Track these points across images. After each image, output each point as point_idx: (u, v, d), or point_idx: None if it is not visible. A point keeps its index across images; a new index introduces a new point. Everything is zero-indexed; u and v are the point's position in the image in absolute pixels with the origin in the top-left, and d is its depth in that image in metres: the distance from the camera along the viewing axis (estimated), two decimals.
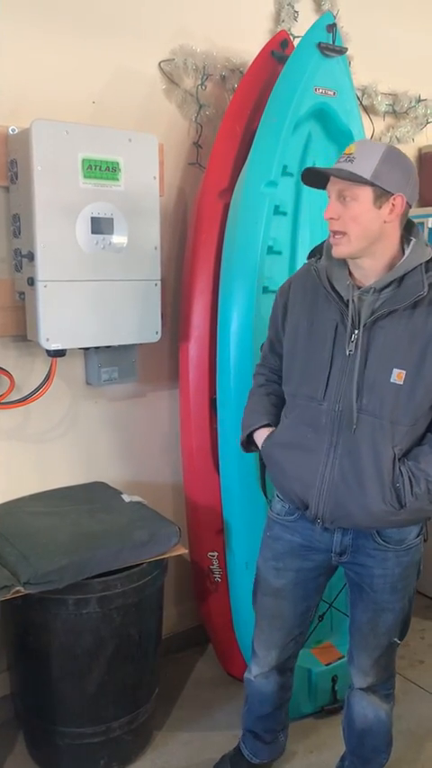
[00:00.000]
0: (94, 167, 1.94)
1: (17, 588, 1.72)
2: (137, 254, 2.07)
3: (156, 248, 2.12)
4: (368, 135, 2.67)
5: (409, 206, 1.52)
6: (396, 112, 2.88)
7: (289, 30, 2.44)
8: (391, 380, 1.50)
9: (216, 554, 2.30)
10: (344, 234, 1.49)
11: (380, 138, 2.86)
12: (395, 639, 1.74)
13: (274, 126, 2.07)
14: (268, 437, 1.70)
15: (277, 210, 2.11)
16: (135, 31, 2.19)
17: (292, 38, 2.34)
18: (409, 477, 1.52)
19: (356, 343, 1.52)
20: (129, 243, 2.04)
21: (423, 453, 1.54)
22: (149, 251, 2.10)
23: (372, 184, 1.46)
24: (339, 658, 2.29)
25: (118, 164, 1.98)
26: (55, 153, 1.87)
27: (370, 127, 2.78)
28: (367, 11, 2.70)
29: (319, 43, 2.07)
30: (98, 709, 1.94)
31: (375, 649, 1.74)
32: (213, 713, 2.29)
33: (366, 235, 1.49)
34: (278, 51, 2.23)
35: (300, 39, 2.16)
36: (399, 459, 1.53)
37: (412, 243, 1.54)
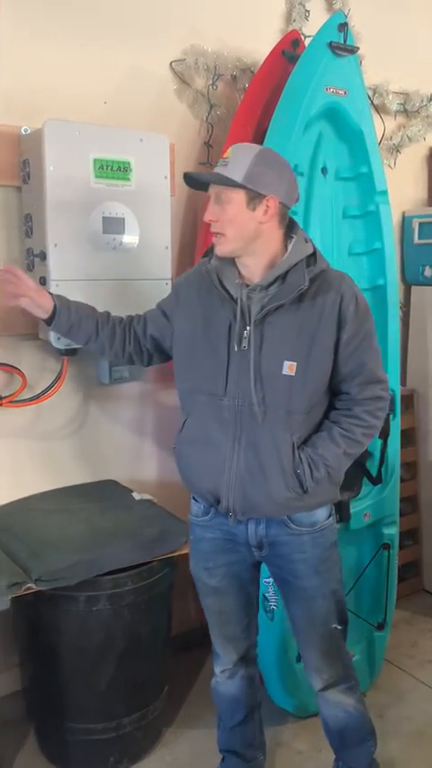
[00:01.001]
0: (105, 167, 1.95)
1: (29, 585, 1.73)
2: (147, 254, 2.08)
3: (166, 248, 2.13)
4: (379, 134, 2.67)
5: (286, 206, 1.58)
6: (407, 111, 2.88)
7: (300, 29, 2.44)
8: (284, 372, 1.57)
9: None
10: (222, 234, 1.55)
11: (390, 138, 2.86)
12: (335, 626, 1.76)
13: (285, 126, 2.07)
14: (177, 436, 1.72)
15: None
16: (147, 31, 2.20)
17: (303, 37, 2.34)
18: (309, 464, 1.58)
19: (249, 339, 1.58)
20: (139, 242, 2.05)
21: (321, 439, 1.61)
22: (160, 250, 2.12)
23: (243, 187, 1.51)
24: (350, 657, 2.29)
25: (129, 164, 2.00)
26: (67, 153, 1.88)
27: (381, 126, 2.77)
28: (378, 10, 2.69)
29: (331, 42, 2.07)
30: (108, 705, 1.96)
31: (320, 641, 1.76)
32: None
33: (242, 235, 1.55)
34: (289, 51, 2.23)
35: (311, 38, 2.16)
36: (298, 447, 1.59)
37: (293, 240, 1.60)
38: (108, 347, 1.80)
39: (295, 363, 1.56)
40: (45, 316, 1.74)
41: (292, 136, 2.05)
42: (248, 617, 1.84)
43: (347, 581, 2.37)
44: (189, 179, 1.60)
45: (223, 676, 1.88)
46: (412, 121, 2.90)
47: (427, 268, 2.92)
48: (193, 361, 1.66)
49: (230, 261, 1.62)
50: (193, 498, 1.77)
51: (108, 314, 1.82)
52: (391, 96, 2.79)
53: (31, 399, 2.07)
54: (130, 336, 1.80)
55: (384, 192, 2.25)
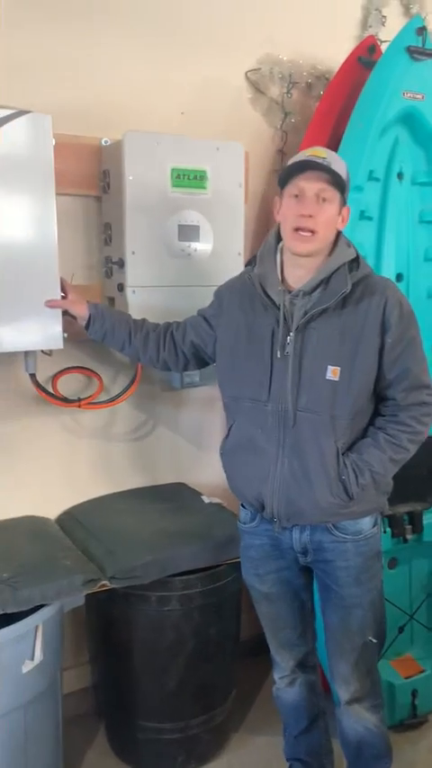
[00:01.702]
0: (182, 176, 2.00)
1: (103, 582, 1.78)
2: (221, 260, 2.11)
3: (239, 254, 2.15)
4: None
5: None
6: None
7: (376, 35, 2.42)
8: (327, 377, 1.57)
9: None
10: (314, 232, 1.54)
11: None
12: (370, 638, 1.72)
13: (361, 131, 2.07)
14: (222, 443, 1.75)
15: (363, 215, 2.10)
16: (223, 42, 2.24)
17: (379, 43, 2.33)
18: (354, 470, 1.58)
19: (292, 345, 1.58)
20: (213, 249, 2.09)
21: (365, 446, 1.60)
22: (233, 257, 2.14)
23: (342, 192, 1.54)
24: (420, 672, 2.24)
25: (205, 172, 2.03)
26: (146, 163, 1.94)
27: None
28: None
29: (409, 47, 2.06)
30: (177, 705, 1.98)
31: (352, 652, 1.72)
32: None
33: (328, 237, 1.57)
34: (365, 57, 2.23)
35: (387, 43, 2.15)
36: (343, 453, 1.59)
37: (337, 245, 1.60)
38: (142, 353, 1.86)
39: (339, 368, 1.56)
40: (82, 323, 1.85)
41: (368, 141, 2.05)
42: (303, 624, 1.83)
43: (419, 594, 2.32)
44: (303, 165, 1.53)
45: (282, 683, 1.88)
46: None
47: None
48: (236, 368, 1.68)
49: (273, 267, 1.63)
50: (242, 505, 1.79)
51: (144, 321, 1.88)
52: None
53: (107, 402, 2.13)
54: (164, 343, 1.84)
55: None
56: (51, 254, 1.80)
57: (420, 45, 2.08)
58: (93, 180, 2.05)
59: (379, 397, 1.64)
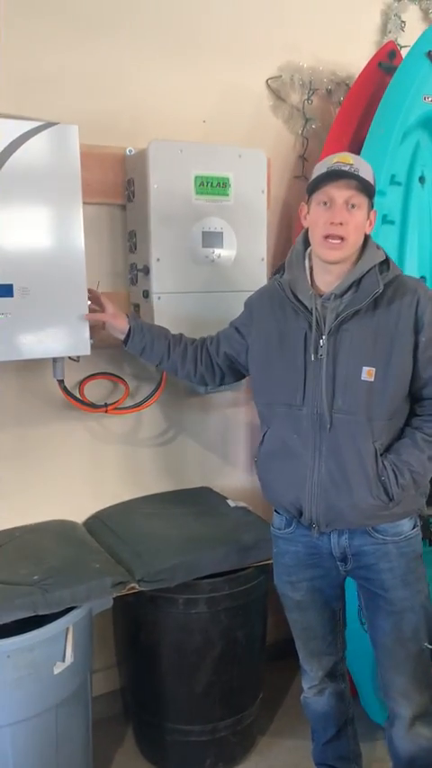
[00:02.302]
0: (206, 184, 2.02)
1: (132, 585, 1.80)
2: (244, 266, 2.13)
3: (262, 260, 2.17)
4: None
5: None
6: None
7: (395, 40, 2.44)
8: (362, 378, 1.57)
9: None
10: (344, 239, 1.54)
11: None
12: (426, 645, 1.69)
13: (383, 136, 2.08)
14: (257, 450, 1.74)
15: (385, 220, 2.11)
16: (243, 51, 2.27)
17: (399, 48, 2.34)
18: (393, 470, 1.57)
19: (325, 348, 1.58)
20: (237, 255, 2.11)
21: (404, 446, 1.60)
22: (256, 262, 2.16)
23: (370, 198, 1.56)
24: None
25: (228, 179, 2.06)
26: (170, 171, 1.97)
27: None
28: None
29: (429, 51, 2.07)
30: (205, 708, 2.00)
31: (407, 662, 1.68)
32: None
33: (357, 242, 1.58)
34: (386, 62, 2.24)
35: (407, 49, 2.17)
36: (381, 455, 1.58)
37: (367, 247, 1.61)
38: (180, 367, 1.87)
39: (374, 369, 1.56)
40: (122, 337, 1.87)
41: (390, 146, 2.06)
42: (333, 633, 1.81)
43: None
44: (333, 173, 1.53)
45: (311, 692, 1.87)
46: None
47: None
48: (269, 374, 1.69)
49: (302, 272, 1.64)
50: (276, 511, 1.78)
51: (181, 336, 1.90)
52: None
53: (133, 407, 2.16)
54: (201, 356, 1.86)
55: None
56: (79, 262, 1.83)
57: None
58: (118, 189, 2.09)
59: (414, 397, 1.64)
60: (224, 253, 2.09)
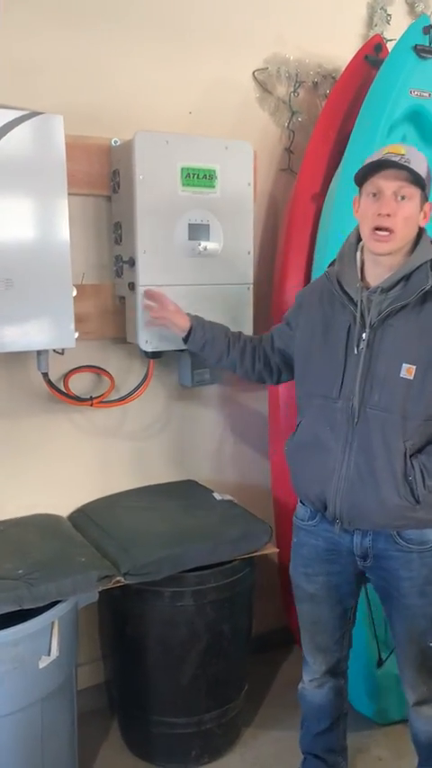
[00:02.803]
0: (192, 175, 2.01)
1: (118, 578, 1.80)
2: (230, 259, 2.13)
3: (249, 253, 2.17)
4: None
5: None
6: None
7: (382, 33, 2.43)
8: (401, 375, 1.54)
9: None
10: (392, 231, 1.52)
11: None
12: (430, 644, 1.70)
13: (369, 129, 2.08)
14: (289, 438, 1.74)
15: None
16: (230, 42, 2.25)
17: (385, 41, 2.34)
18: (422, 471, 1.55)
19: (367, 342, 1.57)
20: (223, 248, 2.10)
21: None
22: (242, 255, 2.16)
23: (423, 188, 1.52)
24: None
25: (215, 171, 2.05)
26: (156, 162, 1.95)
27: None
28: None
29: (416, 45, 2.07)
30: (190, 700, 2.00)
31: (417, 657, 1.72)
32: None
33: (408, 235, 1.55)
34: (372, 55, 2.24)
35: (393, 42, 2.17)
36: (411, 455, 1.55)
37: (420, 242, 1.58)
38: (239, 365, 1.88)
39: (414, 367, 1.53)
40: (183, 334, 1.87)
41: (377, 139, 2.05)
42: (342, 630, 1.82)
43: None
44: (380, 164, 1.51)
45: (311, 685, 1.88)
46: None
47: None
48: (310, 364, 1.69)
49: (353, 264, 1.63)
50: (301, 502, 1.78)
51: (240, 333, 1.91)
52: None
53: (118, 400, 2.15)
54: (259, 354, 1.87)
55: None
56: (64, 253, 1.82)
57: (427, 44, 2.09)
58: (103, 180, 2.07)
59: None
60: (210, 245, 2.08)
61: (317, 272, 2.16)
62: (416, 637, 1.70)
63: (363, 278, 1.62)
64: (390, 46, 2.21)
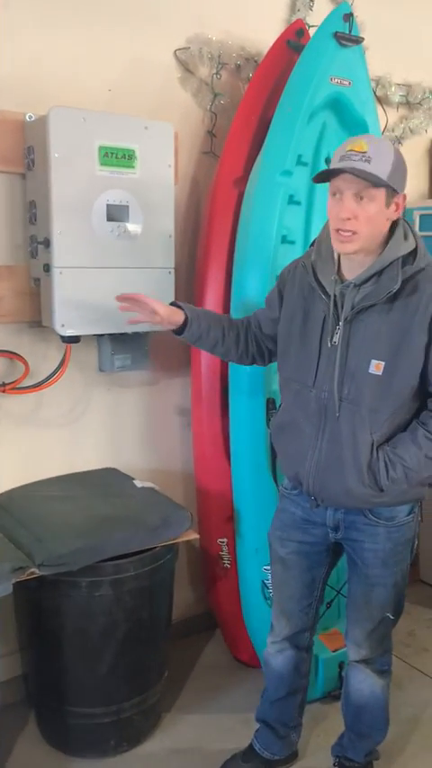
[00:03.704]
0: (110, 155, 1.95)
1: (32, 570, 1.74)
2: (151, 242, 2.08)
3: (170, 236, 2.13)
4: (382, 125, 2.67)
5: None
6: (410, 103, 2.88)
7: (304, 19, 2.43)
8: (370, 371, 1.57)
9: (225, 540, 2.32)
10: (355, 233, 1.51)
11: (392, 129, 2.86)
12: (388, 615, 1.78)
13: (290, 115, 2.08)
14: (273, 417, 1.81)
15: (291, 200, 2.12)
16: (151, 19, 2.19)
17: (307, 27, 2.34)
18: (385, 462, 1.59)
19: (340, 336, 1.59)
20: (143, 231, 2.06)
21: (401, 440, 1.61)
22: (164, 239, 2.12)
23: (387, 186, 1.49)
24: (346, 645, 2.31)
25: (134, 152, 2.00)
26: (72, 140, 1.88)
27: (383, 118, 2.77)
28: (383, 1, 2.69)
29: (336, 32, 2.08)
30: (109, 689, 1.98)
31: (368, 622, 1.78)
32: (221, 697, 2.32)
33: (373, 233, 1.53)
34: (294, 41, 2.23)
35: (315, 28, 2.17)
36: (378, 446, 1.60)
37: (392, 238, 1.57)
38: (234, 351, 1.86)
39: (383, 363, 1.56)
40: (174, 328, 1.82)
41: (297, 125, 2.06)
42: (308, 599, 1.86)
43: (345, 569, 2.39)
44: (329, 173, 1.50)
45: (273, 649, 1.92)
46: (414, 114, 2.91)
47: None
48: (289, 351, 1.71)
49: (329, 256, 1.62)
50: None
51: (230, 319, 1.88)
52: (393, 88, 2.79)
53: (33, 386, 2.08)
54: (251, 338, 1.86)
55: None
56: None
57: (347, 31, 2.10)
58: (16, 156, 1.98)
59: (427, 393, 1.62)
60: (130, 227, 2.03)
61: (239, 258, 2.15)
62: (374, 605, 1.75)
63: (339, 270, 1.62)
64: (312, 32, 2.21)
